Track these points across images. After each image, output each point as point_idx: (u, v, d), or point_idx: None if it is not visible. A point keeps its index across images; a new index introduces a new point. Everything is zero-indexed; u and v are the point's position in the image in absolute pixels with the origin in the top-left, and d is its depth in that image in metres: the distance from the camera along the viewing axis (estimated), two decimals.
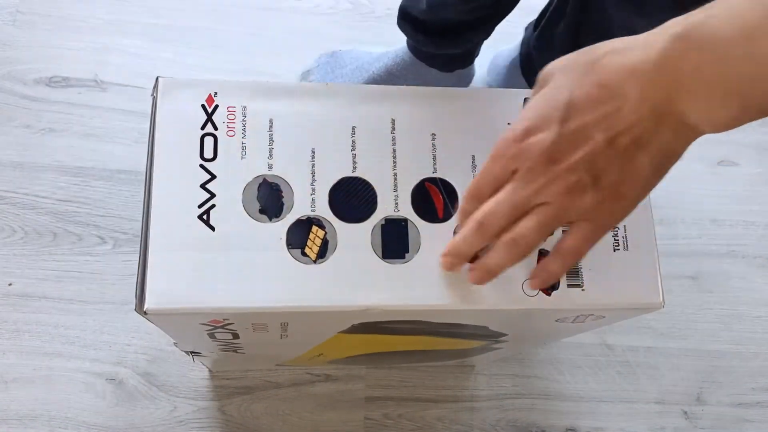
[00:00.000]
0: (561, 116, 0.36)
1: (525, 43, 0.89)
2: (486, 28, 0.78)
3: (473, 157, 0.46)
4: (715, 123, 0.35)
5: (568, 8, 0.76)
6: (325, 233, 0.43)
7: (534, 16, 0.87)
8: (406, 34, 0.82)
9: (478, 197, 0.40)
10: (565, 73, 0.38)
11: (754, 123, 1.08)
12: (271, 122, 0.44)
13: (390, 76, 0.87)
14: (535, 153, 0.37)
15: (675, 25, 0.34)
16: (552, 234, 0.41)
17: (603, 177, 0.37)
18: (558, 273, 0.41)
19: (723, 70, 0.33)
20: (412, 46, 0.84)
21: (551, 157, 0.36)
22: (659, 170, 0.38)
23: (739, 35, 0.32)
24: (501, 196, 0.38)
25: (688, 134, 0.36)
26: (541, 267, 0.41)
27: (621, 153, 0.36)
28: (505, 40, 0.92)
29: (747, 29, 0.32)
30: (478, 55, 0.86)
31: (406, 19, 0.80)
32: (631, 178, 0.37)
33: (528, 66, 0.89)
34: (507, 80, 0.93)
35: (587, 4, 0.72)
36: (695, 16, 0.34)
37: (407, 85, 0.50)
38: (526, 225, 0.38)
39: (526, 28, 0.91)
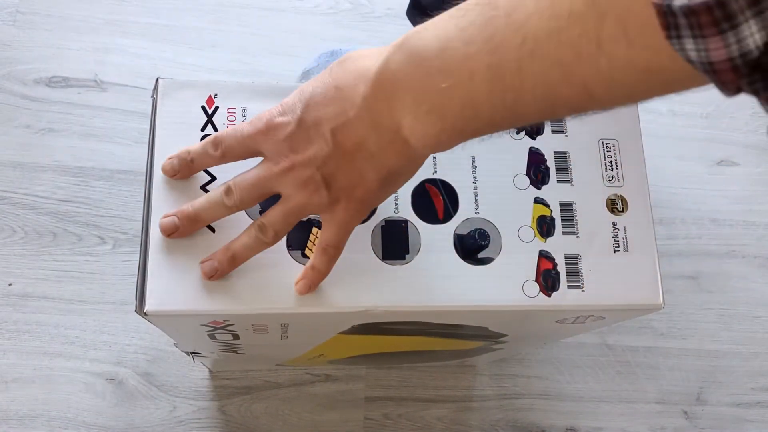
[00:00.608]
0: (302, 108, 0.37)
1: None
2: None
3: (473, 158, 0.46)
4: (424, 140, 0.35)
5: None
6: None
7: None
8: (414, 24, 0.81)
9: (217, 144, 0.40)
10: (326, 70, 0.39)
11: (753, 123, 1.07)
12: None
13: None
14: (280, 136, 0.38)
15: (405, 34, 0.34)
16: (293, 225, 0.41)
17: (334, 180, 0.38)
18: (323, 269, 0.41)
19: (425, 84, 0.33)
20: None
21: (291, 144, 0.38)
22: (387, 183, 0.38)
23: (437, 47, 0.32)
24: (251, 171, 0.39)
25: (405, 150, 0.36)
26: (308, 267, 0.41)
27: (348, 158, 0.37)
28: None
29: (442, 41, 0.32)
30: None
31: (416, 7, 0.79)
32: (361, 186, 0.38)
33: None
34: None
35: None
36: (419, 26, 0.34)
37: None
38: (272, 212, 0.39)
39: None
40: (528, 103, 0.31)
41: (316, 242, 0.42)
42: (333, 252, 0.40)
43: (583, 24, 0.27)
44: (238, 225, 0.42)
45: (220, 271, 0.41)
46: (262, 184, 0.39)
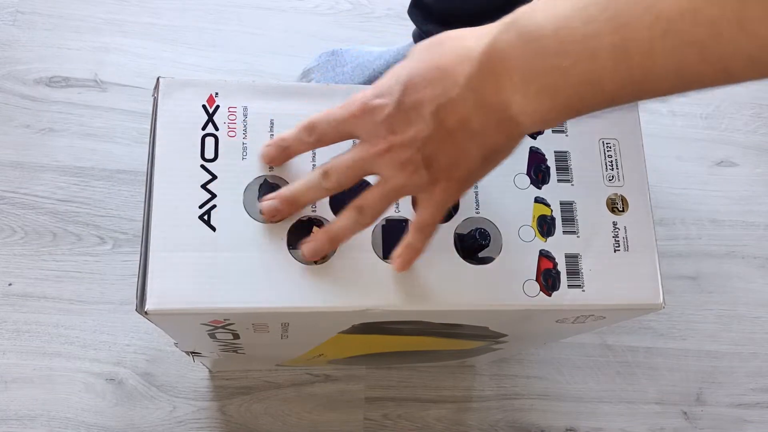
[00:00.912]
0: (401, 90, 0.37)
1: None
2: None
3: None
4: (532, 117, 0.35)
5: None
6: None
7: None
8: (415, 23, 0.81)
9: (311, 129, 0.41)
10: (416, 52, 0.39)
11: (753, 124, 1.07)
12: (272, 123, 0.44)
13: None
14: (377, 119, 0.38)
15: (512, 14, 0.35)
16: (393, 205, 0.42)
17: (434, 160, 0.38)
18: (419, 246, 0.41)
19: (538, 63, 0.33)
20: (419, 37, 0.82)
21: (390, 126, 0.38)
22: (488, 161, 0.39)
23: (552, 27, 0.32)
24: (346, 153, 0.40)
25: (511, 128, 0.36)
26: (404, 246, 0.42)
27: (450, 137, 0.37)
28: None
29: (559, 20, 0.32)
30: None
31: (418, 6, 0.79)
32: (462, 165, 0.38)
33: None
34: None
35: None
36: (526, 6, 0.34)
37: None
38: (370, 194, 0.40)
39: None
40: (658, 79, 0.31)
41: None
42: (429, 231, 0.41)
43: (721, 4, 0.27)
44: (238, 224, 0.42)
45: (322, 252, 0.41)
46: (360, 166, 0.39)
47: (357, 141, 0.40)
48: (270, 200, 0.41)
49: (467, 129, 0.37)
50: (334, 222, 0.41)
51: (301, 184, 0.41)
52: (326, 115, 0.40)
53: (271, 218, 0.42)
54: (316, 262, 0.42)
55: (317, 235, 0.41)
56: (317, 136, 0.41)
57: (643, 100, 0.34)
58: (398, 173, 0.38)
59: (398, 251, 0.42)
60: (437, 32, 0.96)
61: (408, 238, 0.41)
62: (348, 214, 0.40)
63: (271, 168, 0.43)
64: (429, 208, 0.40)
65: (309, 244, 0.41)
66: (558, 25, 0.32)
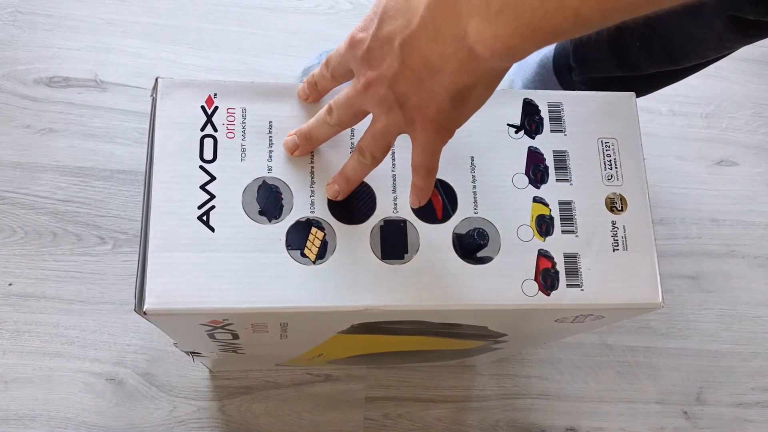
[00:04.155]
0: (377, 22, 0.37)
1: None
2: None
3: (472, 158, 0.46)
4: (491, 46, 0.32)
5: None
6: (325, 234, 0.43)
7: None
8: None
9: (326, 64, 0.42)
10: None
11: (753, 123, 1.07)
12: (270, 124, 0.44)
13: None
14: (358, 53, 0.38)
15: None
16: (390, 148, 0.42)
17: (406, 99, 0.37)
18: (423, 185, 0.42)
19: None
20: None
21: (368, 61, 0.38)
22: (459, 102, 0.37)
23: None
24: (343, 89, 0.41)
25: (470, 61, 0.34)
26: (411, 185, 0.42)
27: (415, 75, 0.36)
28: None
29: None
30: None
31: None
32: (431, 104, 0.37)
33: (562, 62, 0.82)
34: (535, 77, 0.87)
35: None
36: None
37: None
38: (365, 135, 0.41)
39: None
40: None
41: (315, 242, 0.42)
42: (425, 172, 0.41)
43: None
44: (238, 225, 0.42)
45: (342, 192, 0.43)
46: (352, 103, 0.40)
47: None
48: (291, 136, 0.43)
49: (428, 65, 0.35)
50: (345, 164, 0.43)
51: (313, 120, 0.43)
52: (335, 50, 0.41)
53: (292, 152, 0.44)
54: (314, 262, 0.42)
55: (336, 178, 0.43)
56: (331, 72, 0.42)
57: (612, 18, 0.31)
58: (380, 111, 0.39)
59: (411, 190, 0.43)
60: None
61: (412, 180, 0.42)
62: (353, 156, 0.42)
63: (269, 169, 0.43)
64: (416, 149, 0.40)
65: (331, 186, 0.43)
66: None
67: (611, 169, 0.47)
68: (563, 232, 0.45)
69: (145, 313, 0.40)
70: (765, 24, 0.58)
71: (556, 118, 0.47)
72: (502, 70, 0.36)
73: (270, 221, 0.42)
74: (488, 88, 0.37)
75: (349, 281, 0.42)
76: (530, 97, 0.48)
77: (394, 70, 0.36)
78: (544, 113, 0.47)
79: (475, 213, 0.45)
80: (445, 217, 0.44)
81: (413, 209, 0.44)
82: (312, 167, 0.44)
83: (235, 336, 0.49)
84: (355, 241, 0.43)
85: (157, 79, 0.44)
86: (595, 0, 0.29)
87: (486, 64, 0.34)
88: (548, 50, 0.87)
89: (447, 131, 0.39)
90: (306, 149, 0.43)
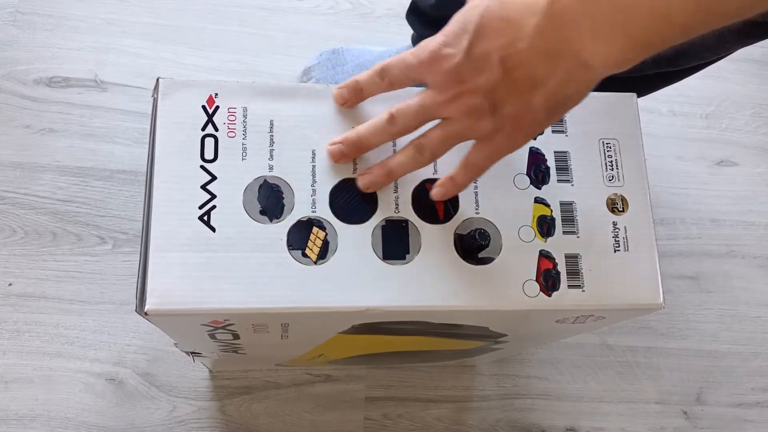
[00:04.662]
0: (469, 39, 0.38)
1: None
2: None
3: None
4: (606, 60, 0.36)
5: None
6: (326, 234, 0.43)
7: None
8: (413, 29, 0.82)
9: (384, 73, 0.42)
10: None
11: (753, 123, 1.07)
12: (271, 123, 0.44)
13: None
14: (444, 68, 0.39)
15: None
16: (451, 147, 0.43)
17: (500, 107, 0.39)
18: (462, 184, 0.43)
19: (605, 5, 0.34)
20: (417, 42, 0.83)
21: (457, 76, 0.39)
22: (554, 111, 0.39)
23: None
24: (414, 99, 0.41)
25: (583, 74, 0.37)
26: (447, 177, 0.43)
27: (516, 86, 0.38)
28: None
29: None
30: None
31: (415, 12, 0.79)
32: (527, 114, 0.39)
33: None
34: None
35: None
36: None
37: None
38: (432, 134, 0.41)
39: None
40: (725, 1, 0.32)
41: (316, 242, 0.42)
42: (475, 172, 0.42)
43: None
44: (239, 224, 0.42)
45: (377, 185, 0.43)
46: (425, 112, 0.41)
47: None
48: (336, 144, 0.43)
49: (534, 79, 0.37)
50: (392, 157, 0.43)
51: (367, 127, 0.42)
52: (399, 60, 0.41)
53: (337, 161, 0.43)
54: (315, 262, 0.42)
55: (374, 169, 0.43)
56: (389, 80, 0.42)
57: (715, 26, 0.33)
58: (464, 119, 0.40)
59: (441, 181, 0.43)
60: None
61: (454, 173, 0.42)
62: (407, 152, 0.42)
63: (270, 168, 0.43)
64: (485, 152, 0.41)
65: (365, 177, 0.43)
66: None
67: (612, 169, 0.47)
68: (564, 232, 0.45)
69: (146, 313, 0.40)
70: (765, 25, 0.59)
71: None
72: (603, 77, 0.38)
73: (271, 221, 0.42)
74: (583, 96, 0.39)
75: (351, 281, 0.42)
76: None
77: (493, 82, 0.38)
78: None
79: (477, 213, 0.45)
80: (447, 217, 0.44)
81: (414, 209, 0.44)
82: (313, 166, 0.44)
83: (236, 336, 0.49)
84: (357, 241, 0.43)
85: (158, 80, 0.44)
86: (700, 13, 0.32)
87: (596, 74, 0.37)
88: None
89: (528, 138, 0.41)
90: (353, 157, 0.44)
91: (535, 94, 0.38)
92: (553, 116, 0.40)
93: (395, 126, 0.42)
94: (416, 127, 0.42)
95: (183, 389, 0.80)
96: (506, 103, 0.39)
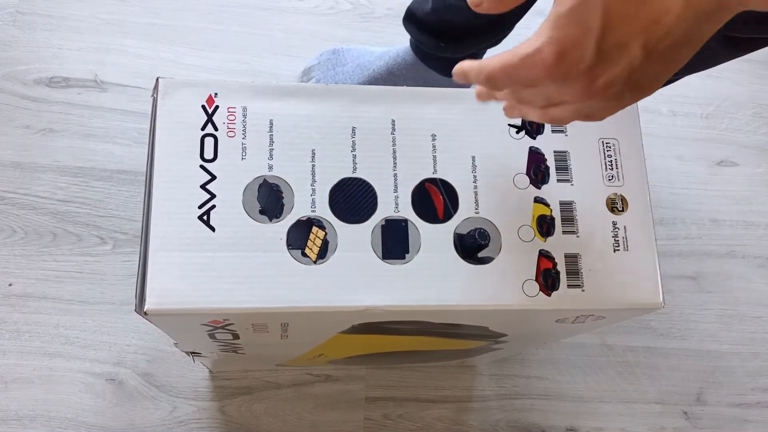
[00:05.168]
0: (597, 34, 0.32)
1: None
2: (492, 36, 0.77)
3: (473, 158, 0.46)
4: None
5: None
6: (326, 234, 0.43)
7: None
8: (410, 34, 0.82)
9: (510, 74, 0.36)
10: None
11: (753, 123, 1.07)
12: (271, 123, 0.44)
13: (391, 76, 0.86)
14: (572, 77, 0.34)
15: None
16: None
17: (641, 82, 0.34)
18: (562, 119, 0.38)
19: None
20: (415, 46, 0.83)
21: (591, 78, 0.33)
22: (673, 69, 0.35)
23: None
24: (559, 109, 0.37)
25: (721, 17, 0.32)
26: (545, 111, 0.38)
27: (660, 57, 0.33)
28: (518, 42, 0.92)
29: None
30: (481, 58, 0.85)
31: (411, 19, 0.80)
32: (656, 85, 0.35)
33: None
34: None
35: None
36: None
37: (407, 84, 0.50)
38: (560, 110, 0.37)
39: None
40: None
41: (315, 241, 0.42)
42: (582, 117, 0.38)
43: None
44: (238, 224, 0.42)
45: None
46: (575, 114, 0.37)
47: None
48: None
49: (679, 43, 0.33)
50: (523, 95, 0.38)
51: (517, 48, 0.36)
52: (520, 64, 0.35)
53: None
54: (315, 262, 0.42)
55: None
56: (517, 80, 0.36)
57: None
58: (605, 101, 0.35)
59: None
60: (432, 42, 0.97)
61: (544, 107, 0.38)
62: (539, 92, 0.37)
63: (270, 168, 0.43)
64: (571, 111, 0.37)
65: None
66: None
67: (612, 169, 0.47)
68: (564, 232, 0.45)
69: (145, 313, 0.40)
70: (755, 40, 0.59)
71: None
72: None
73: (271, 220, 0.42)
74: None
75: (350, 281, 0.42)
76: None
77: (635, 65, 0.33)
78: None
79: (476, 213, 0.45)
80: (446, 216, 0.44)
81: (413, 209, 0.44)
82: (313, 165, 0.44)
83: (236, 336, 0.49)
84: (356, 241, 0.43)
85: (157, 79, 0.44)
86: None
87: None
88: None
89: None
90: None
91: (680, 53, 0.33)
92: (671, 71, 0.35)
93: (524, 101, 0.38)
94: (537, 101, 0.37)
95: (183, 389, 0.80)
96: (642, 81, 0.34)
